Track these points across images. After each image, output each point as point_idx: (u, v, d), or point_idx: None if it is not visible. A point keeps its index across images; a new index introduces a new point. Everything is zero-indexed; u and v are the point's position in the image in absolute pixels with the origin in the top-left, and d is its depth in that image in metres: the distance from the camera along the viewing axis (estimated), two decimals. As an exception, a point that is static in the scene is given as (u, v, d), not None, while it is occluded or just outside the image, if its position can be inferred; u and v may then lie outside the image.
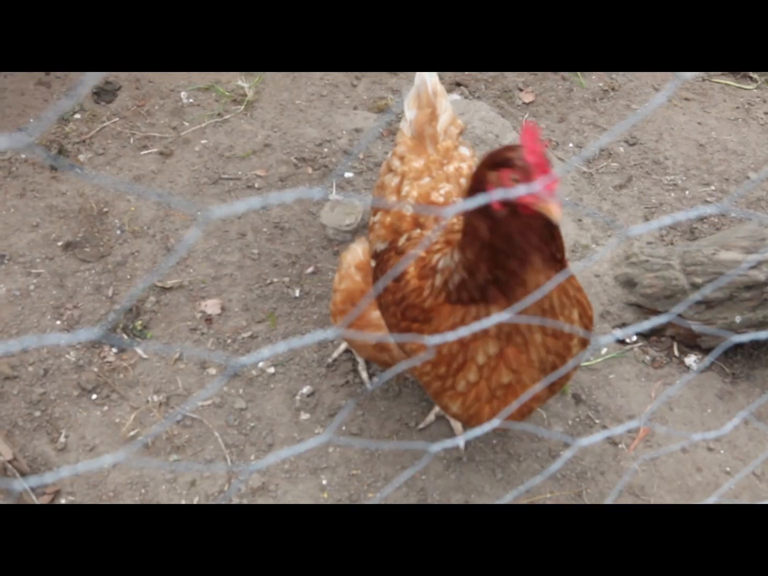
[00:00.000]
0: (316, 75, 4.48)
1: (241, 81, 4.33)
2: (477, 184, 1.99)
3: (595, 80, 4.69)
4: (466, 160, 2.81)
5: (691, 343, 3.40)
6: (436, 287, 2.23)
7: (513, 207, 1.92)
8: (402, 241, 2.53)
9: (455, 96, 4.39)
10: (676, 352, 3.40)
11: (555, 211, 1.84)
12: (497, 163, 1.92)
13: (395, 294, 2.41)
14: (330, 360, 3.19)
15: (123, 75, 4.27)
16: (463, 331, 1.48)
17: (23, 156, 3.79)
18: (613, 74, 4.73)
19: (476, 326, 1.45)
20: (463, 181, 2.71)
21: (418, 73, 2.97)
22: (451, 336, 1.44)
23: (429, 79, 2.93)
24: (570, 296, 2.17)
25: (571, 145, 4.26)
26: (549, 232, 1.98)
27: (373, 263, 2.70)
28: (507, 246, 1.97)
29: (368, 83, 4.48)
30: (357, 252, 2.86)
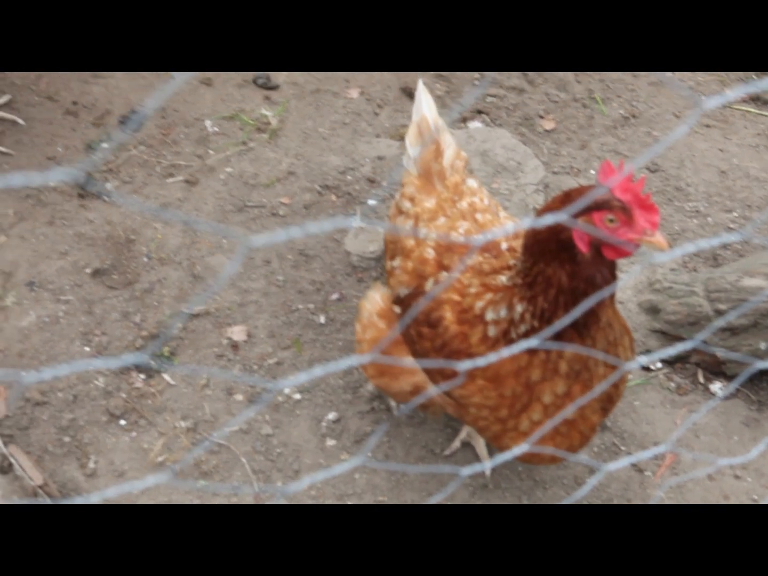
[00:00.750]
0: (339, 103, 4.54)
1: (265, 109, 4.39)
2: (557, 234, 1.95)
3: (615, 107, 4.72)
4: (476, 194, 2.75)
5: (716, 369, 3.39)
6: (491, 338, 2.22)
7: (598, 248, 1.93)
8: (429, 285, 2.49)
9: (477, 123, 4.43)
10: (701, 379, 3.39)
11: (664, 243, 1.85)
12: (585, 209, 1.88)
13: (434, 341, 2.38)
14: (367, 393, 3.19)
15: (149, 104, 4.34)
16: (493, 357, 1.47)
17: (52, 184, 3.85)
18: (634, 101, 4.76)
19: (507, 352, 1.47)
20: (479, 216, 2.64)
21: (415, 109, 2.95)
22: (481, 362, 1.42)
23: (429, 114, 2.89)
24: (622, 324, 2.19)
25: (592, 172, 4.29)
26: (614, 267, 2.01)
27: (397, 309, 2.65)
28: (588, 287, 1.97)
29: (390, 111, 4.53)
30: (376, 299, 2.79)
